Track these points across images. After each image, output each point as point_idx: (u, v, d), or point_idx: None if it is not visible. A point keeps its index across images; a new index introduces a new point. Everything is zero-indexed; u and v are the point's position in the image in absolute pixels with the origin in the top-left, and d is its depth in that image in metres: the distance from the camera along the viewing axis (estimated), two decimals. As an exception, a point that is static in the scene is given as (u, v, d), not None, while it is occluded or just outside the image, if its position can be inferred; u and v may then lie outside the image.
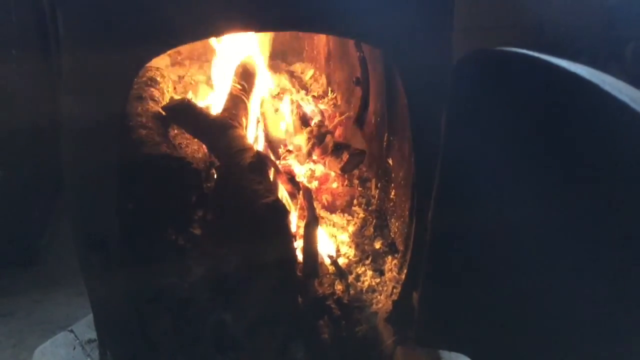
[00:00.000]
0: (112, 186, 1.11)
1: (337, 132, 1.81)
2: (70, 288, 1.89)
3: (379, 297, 1.41)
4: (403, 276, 1.36)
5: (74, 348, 1.34)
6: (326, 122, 1.84)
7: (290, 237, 1.33)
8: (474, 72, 1.09)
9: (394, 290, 1.38)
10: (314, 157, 1.74)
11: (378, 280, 1.45)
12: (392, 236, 1.55)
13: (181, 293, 1.26)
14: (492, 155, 1.11)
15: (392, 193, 1.56)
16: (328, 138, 1.76)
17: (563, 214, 1.02)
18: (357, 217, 1.65)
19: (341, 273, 1.47)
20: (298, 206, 1.52)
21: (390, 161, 1.57)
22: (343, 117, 1.81)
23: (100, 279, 1.16)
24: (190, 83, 1.99)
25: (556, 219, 1.03)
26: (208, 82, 1.97)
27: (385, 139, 1.58)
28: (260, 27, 1.16)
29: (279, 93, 1.93)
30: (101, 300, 1.21)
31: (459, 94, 1.13)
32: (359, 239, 1.59)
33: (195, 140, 1.63)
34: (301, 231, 1.42)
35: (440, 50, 1.19)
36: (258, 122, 1.77)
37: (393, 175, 1.56)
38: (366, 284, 1.47)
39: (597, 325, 1.00)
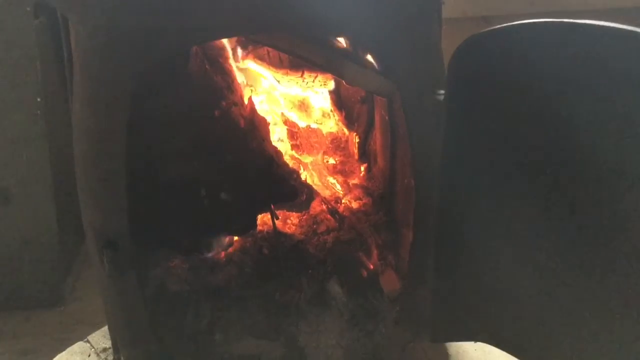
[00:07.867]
0: (121, 184, 1.16)
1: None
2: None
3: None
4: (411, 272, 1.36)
5: (89, 355, 1.35)
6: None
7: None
8: (478, 55, 1.09)
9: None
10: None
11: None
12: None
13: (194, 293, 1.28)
14: (497, 137, 1.12)
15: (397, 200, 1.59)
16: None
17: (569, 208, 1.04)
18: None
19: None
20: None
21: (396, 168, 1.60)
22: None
23: (111, 278, 1.19)
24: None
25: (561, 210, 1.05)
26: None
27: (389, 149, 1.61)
28: (249, 31, 1.21)
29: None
30: (113, 300, 1.23)
31: (460, 82, 1.14)
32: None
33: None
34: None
35: (432, 49, 1.25)
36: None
37: (398, 184, 1.58)
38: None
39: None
